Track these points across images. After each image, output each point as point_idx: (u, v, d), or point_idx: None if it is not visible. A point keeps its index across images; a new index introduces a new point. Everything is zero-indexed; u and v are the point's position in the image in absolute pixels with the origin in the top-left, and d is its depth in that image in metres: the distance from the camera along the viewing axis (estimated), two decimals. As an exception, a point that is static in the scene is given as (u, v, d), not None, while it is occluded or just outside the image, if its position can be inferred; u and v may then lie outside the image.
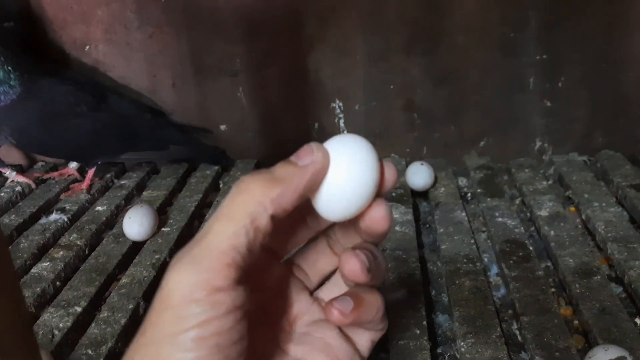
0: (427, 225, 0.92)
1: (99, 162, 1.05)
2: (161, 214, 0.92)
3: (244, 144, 1.12)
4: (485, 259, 0.81)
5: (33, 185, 1.04)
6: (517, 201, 0.96)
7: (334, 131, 1.10)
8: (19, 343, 0.28)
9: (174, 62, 1.07)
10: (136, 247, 0.84)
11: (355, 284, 0.31)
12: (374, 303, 0.31)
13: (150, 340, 0.27)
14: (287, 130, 1.11)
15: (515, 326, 0.68)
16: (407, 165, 1.00)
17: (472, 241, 0.81)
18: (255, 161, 1.11)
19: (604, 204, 0.87)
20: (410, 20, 1.01)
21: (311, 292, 0.33)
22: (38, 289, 0.74)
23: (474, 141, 1.08)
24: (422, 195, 0.99)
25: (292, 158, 0.29)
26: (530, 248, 0.78)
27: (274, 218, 0.28)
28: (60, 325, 0.67)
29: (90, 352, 0.63)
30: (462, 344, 0.61)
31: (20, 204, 0.97)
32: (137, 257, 0.81)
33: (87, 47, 1.07)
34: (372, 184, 0.28)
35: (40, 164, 1.15)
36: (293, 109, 1.09)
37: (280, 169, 0.29)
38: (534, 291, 0.69)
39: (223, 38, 1.05)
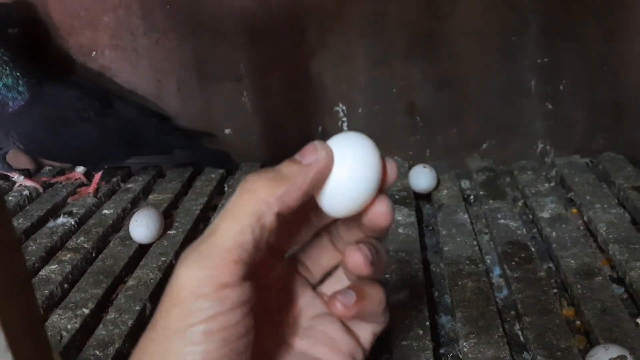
0: (430, 228, 0.93)
1: (106, 166, 1.06)
2: (167, 217, 0.93)
3: (248, 147, 1.13)
4: (488, 261, 0.82)
5: (41, 190, 1.05)
6: (520, 203, 0.97)
7: (337, 135, 1.10)
8: (33, 344, 0.29)
9: (179, 68, 1.09)
10: (142, 249, 0.85)
11: (358, 278, 0.32)
12: (376, 296, 0.32)
13: (160, 334, 0.28)
14: (291, 134, 1.12)
15: (517, 327, 0.68)
16: (409, 168, 1.01)
17: (475, 243, 0.82)
18: (260, 164, 1.12)
19: (605, 206, 0.88)
20: (411, 25, 1.02)
21: (314, 287, 0.34)
22: (46, 291, 0.75)
23: (476, 144, 1.09)
24: (424, 197, 1.00)
25: (297, 156, 0.30)
26: (533, 249, 0.79)
27: (279, 216, 0.28)
28: (69, 327, 0.68)
29: (98, 353, 0.64)
30: (464, 344, 0.62)
31: (28, 207, 0.99)
32: (143, 259, 0.82)
33: (94, 52, 1.09)
34: (375, 180, 0.29)
35: (47, 168, 1.16)
36: (296, 113, 1.10)
37: (285, 167, 0.29)
38: (536, 292, 0.70)
39: (227, 44, 1.06)
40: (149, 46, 1.07)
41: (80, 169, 1.08)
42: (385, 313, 0.33)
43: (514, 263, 0.76)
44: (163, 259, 0.81)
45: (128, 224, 0.87)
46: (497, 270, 0.80)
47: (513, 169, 1.05)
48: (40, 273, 0.79)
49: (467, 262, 0.77)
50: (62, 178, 1.08)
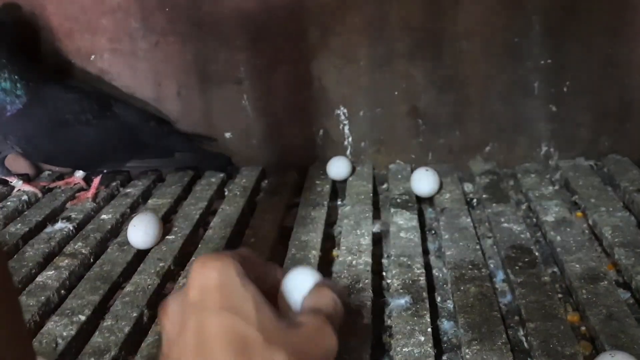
0: (432, 231, 0.92)
1: (105, 171, 1.05)
2: (166, 222, 0.92)
3: (249, 151, 1.12)
4: (491, 265, 0.80)
5: (39, 194, 1.04)
6: (523, 207, 0.96)
7: (339, 138, 1.10)
8: (18, 355, 0.28)
9: (179, 71, 1.08)
10: (141, 255, 0.84)
11: None
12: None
13: None
14: (292, 137, 1.11)
15: (521, 333, 0.67)
16: (412, 171, 1.00)
17: (478, 247, 0.81)
18: (261, 168, 1.11)
19: (610, 209, 0.87)
20: (413, 27, 1.01)
21: None
22: (43, 297, 0.74)
23: (479, 147, 1.08)
24: (427, 201, 0.99)
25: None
26: (537, 254, 0.78)
27: None
28: (64, 333, 0.67)
29: (93, 360, 0.63)
30: (467, 350, 0.60)
31: (26, 212, 0.98)
32: (141, 265, 0.81)
33: (93, 56, 1.08)
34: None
35: (46, 173, 1.15)
36: (298, 116, 1.09)
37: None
38: (540, 297, 0.68)
39: (227, 46, 1.05)
40: (149, 49, 1.06)
41: (79, 174, 1.07)
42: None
43: (517, 267, 0.75)
44: (161, 264, 0.80)
45: (126, 229, 0.86)
46: (500, 275, 0.78)
47: (516, 171, 1.04)
48: (37, 279, 0.78)
49: (470, 266, 0.76)
50: (61, 183, 1.08)
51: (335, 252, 0.86)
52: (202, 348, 0.37)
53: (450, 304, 0.73)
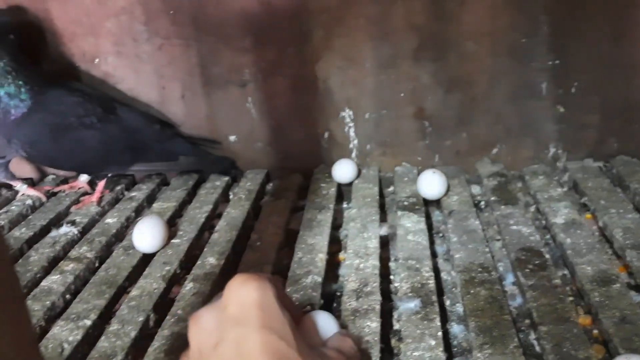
0: (440, 234, 0.91)
1: (109, 174, 1.05)
2: (171, 225, 0.91)
3: (253, 154, 1.12)
4: (501, 268, 0.79)
5: (44, 199, 1.04)
6: (532, 209, 0.95)
7: (344, 140, 1.09)
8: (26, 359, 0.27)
9: (183, 74, 1.07)
10: (146, 259, 0.83)
11: None
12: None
13: None
14: (297, 140, 1.10)
15: (533, 336, 0.66)
16: (418, 174, 0.99)
17: (487, 249, 0.80)
18: (266, 171, 1.10)
19: (621, 211, 0.86)
20: (418, 27, 1.00)
21: None
22: (48, 302, 0.73)
23: (486, 148, 1.07)
24: (434, 203, 0.98)
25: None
26: (547, 256, 0.77)
27: None
28: (70, 338, 0.66)
29: (99, 365, 0.62)
30: (478, 354, 0.59)
31: (30, 217, 0.97)
32: (147, 269, 0.80)
33: (97, 59, 1.07)
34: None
35: (51, 177, 1.15)
36: (302, 119, 1.09)
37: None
38: (551, 300, 0.67)
39: (231, 49, 1.05)
40: (153, 52, 1.06)
41: (84, 178, 1.07)
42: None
43: (528, 270, 0.74)
44: (167, 268, 0.80)
45: (131, 233, 0.85)
46: (510, 278, 0.77)
47: (524, 173, 1.03)
48: (42, 283, 0.77)
49: (480, 269, 0.75)
50: (65, 187, 1.07)
51: (342, 256, 0.85)
52: None
53: (459, 308, 0.72)
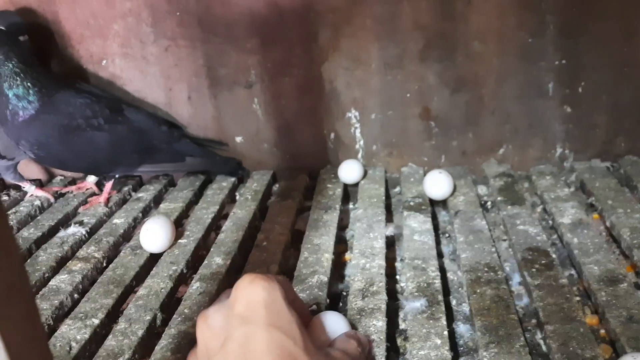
0: (447, 235, 0.91)
1: (117, 176, 1.05)
2: (178, 225, 0.92)
3: (260, 155, 1.12)
4: (507, 268, 0.79)
5: (52, 199, 1.04)
6: (539, 209, 0.94)
7: (350, 141, 1.09)
8: (35, 358, 0.28)
9: (190, 75, 1.08)
10: (153, 258, 0.84)
11: None
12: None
13: None
14: (303, 141, 1.10)
15: (539, 335, 0.66)
16: (425, 174, 0.99)
17: (493, 249, 0.79)
18: (272, 172, 1.11)
19: (628, 210, 0.85)
20: (425, 27, 1.00)
21: None
22: (56, 301, 0.73)
23: (493, 149, 1.07)
24: (440, 204, 0.98)
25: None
26: (553, 256, 0.76)
27: None
28: (78, 337, 0.66)
29: (107, 364, 0.62)
30: (484, 354, 0.59)
31: (39, 217, 0.98)
32: (154, 268, 0.81)
33: (104, 61, 1.08)
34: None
35: (59, 178, 1.15)
36: (309, 119, 1.09)
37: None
38: (558, 300, 0.67)
39: (238, 50, 1.05)
40: (159, 54, 1.07)
41: (91, 179, 1.08)
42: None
43: (534, 270, 0.74)
44: (174, 268, 0.80)
45: (139, 233, 0.86)
46: (516, 278, 0.77)
47: (531, 173, 1.03)
48: (51, 283, 0.78)
49: (486, 269, 0.75)
50: (73, 188, 1.08)
51: (348, 256, 0.85)
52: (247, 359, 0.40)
53: (466, 307, 0.72)
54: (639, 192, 0.92)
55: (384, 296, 0.69)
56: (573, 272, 0.77)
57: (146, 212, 1.00)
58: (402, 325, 0.69)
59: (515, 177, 1.02)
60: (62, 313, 0.73)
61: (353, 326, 0.62)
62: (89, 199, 1.04)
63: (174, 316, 0.69)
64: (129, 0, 1.03)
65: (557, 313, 0.65)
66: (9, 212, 1.00)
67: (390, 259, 0.82)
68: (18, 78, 0.91)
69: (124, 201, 1.04)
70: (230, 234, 0.89)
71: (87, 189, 1.07)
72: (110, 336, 0.67)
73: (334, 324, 0.55)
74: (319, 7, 1.01)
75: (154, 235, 0.83)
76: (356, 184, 1.04)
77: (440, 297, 0.69)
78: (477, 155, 1.07)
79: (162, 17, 1.04)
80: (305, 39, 1.03)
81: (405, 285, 0.73)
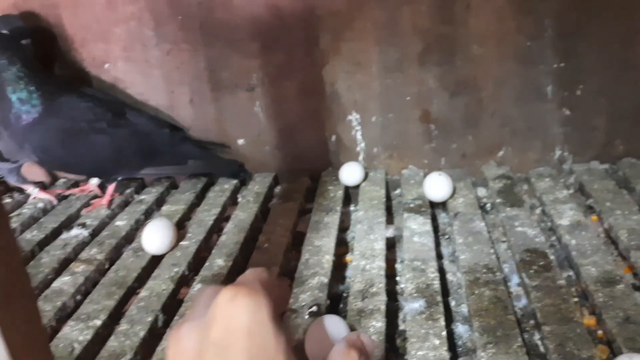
0: (446, 236, 0.91)
1: (119, 178, 1.06)
2: (180, 228, 0.92)
3: (261, 157, 1.13)
4: (506, 269, 0.80)
5: (55, 202, 1.05)
6: (538, 211, 0.95)
7: (351, 143, 1.10)
8: (36, 357, 0.28)
9: (192, 78, 1.09)
10: (155, 260, 0.84)
11: None
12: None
13: None
14: (305, 144, 1.11)
15: (536, 336, 0.67)
16: (424, 176, 0.99)
17: (492, 251, 0.80)
18: (273, 174, 1.11)
19: (626, 212, 0.86)
20: (424, 31, 1.01)
21: None
22: (59, 302, 0.74)
23: (492, 151, 1.08)
24: (440, 206, 0.98)
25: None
26: (552, 257, 0.77)
27: None
28: (80, 338, 0.67)
29: (109, 364, 0.63)
30: (482, 354, 0.60)
31: (42, 219, 0.99)
32: (156, 270, 0.81)
33: (107, 64, 1.09)
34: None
35: (62, 180, 1.16)
36: (310, 122, 1.10)
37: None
38: (555, 301, 0.68)
39: (239, 53, 1.06)
40: (161, 57, 1.07)
41: (94, 182, 1.08)
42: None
43: (532, 271, 0.74)
44: (175, 269, 0.81)
45: (141, 235, 0.86)
46: (515, 279, 0.78)
47: (530, 176, 1.04)
48: (53, 284, 0.79)
49: (485, 270, 0.75)
50: (76, 190, 1.09)
51: (348, 257, 0.86)
52: None
53: (464, 308, 0.72)
54: (637, 194, 0.92)
55: (383, 297, 0.70)
56: (571, 273, 0.78)
57: (148, 215, 1.01)
58: (401, 326, 0.70)
59: (514, 179, 1.02)
60: (65, 314, 0.74)
61: (352, 328, 0.63)
62: (91, 202, 1.05)
63: (176, 317, 0.70)
64: (131, 4, 1.04)
65: (555, 314, 0.65)
66: (12, 215, 1.01)
67: (390, 261, 0.83)
68: (21, 82, 0.92)
69: (126, 203, 1.05)
70: (231, 235, 0.90)
71: (89, 192, 1.08)
72: (112, 337, 0.67)
73: (334, 327, 0.56)
74: (319, 12, 1.02)
75: (156, 237, 0.84)
76: (357, 186, 1.05)
77: (439, 298, 0.70)
78: (476, 158, 1.08)
79: (164, 21, 1.05)
80: (307, 43, 1.04)
81: (404, 286, 0.74)
